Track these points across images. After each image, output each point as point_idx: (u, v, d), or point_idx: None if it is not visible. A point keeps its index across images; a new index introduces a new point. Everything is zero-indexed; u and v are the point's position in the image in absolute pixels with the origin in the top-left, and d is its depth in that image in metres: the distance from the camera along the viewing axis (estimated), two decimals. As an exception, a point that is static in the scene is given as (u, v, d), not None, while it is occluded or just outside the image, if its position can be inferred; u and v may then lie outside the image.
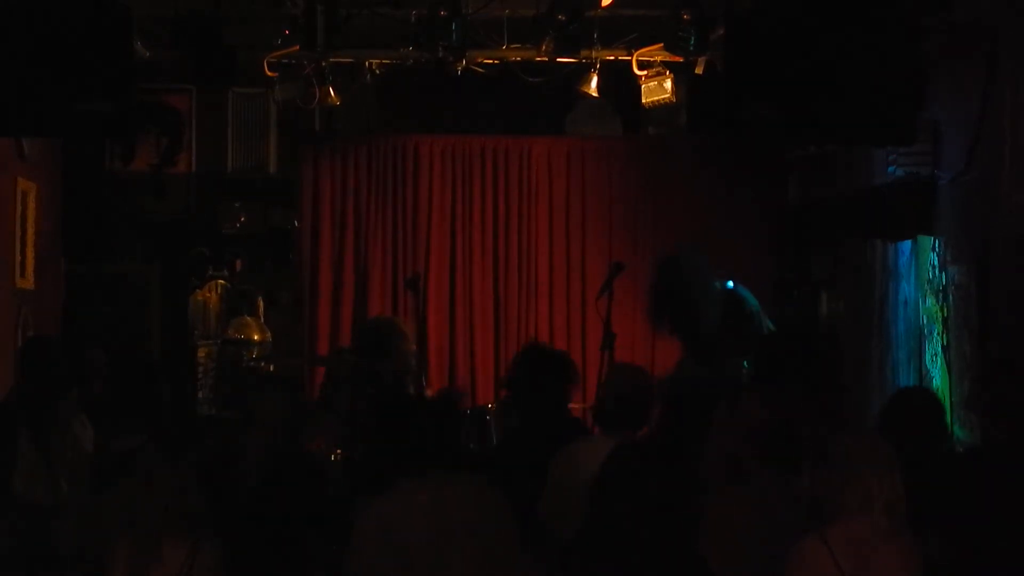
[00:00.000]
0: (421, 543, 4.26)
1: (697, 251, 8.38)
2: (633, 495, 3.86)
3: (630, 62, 9.12)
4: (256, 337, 10.41)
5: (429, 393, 8.45)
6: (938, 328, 7.29)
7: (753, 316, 8.19)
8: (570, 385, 5.97)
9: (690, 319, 7.83)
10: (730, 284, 8.34)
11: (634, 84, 9.21)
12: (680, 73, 8.98)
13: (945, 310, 7.18)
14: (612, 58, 9.11)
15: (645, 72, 9.15)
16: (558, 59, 8.84)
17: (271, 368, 9.93)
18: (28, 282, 8.82)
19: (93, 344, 7.67)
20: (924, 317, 7.55)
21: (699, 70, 8.57)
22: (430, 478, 4.38)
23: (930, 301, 7.44)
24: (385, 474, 4.46)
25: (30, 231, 8.82)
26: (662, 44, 8.77)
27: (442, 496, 4.33)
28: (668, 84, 9.07)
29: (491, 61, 9.14)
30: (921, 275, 7.62)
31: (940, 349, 7.25)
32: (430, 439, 4.48)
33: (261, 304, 10.64)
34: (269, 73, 9.26)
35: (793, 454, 4.54)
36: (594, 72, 9.07)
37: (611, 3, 8.33)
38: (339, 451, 7.26)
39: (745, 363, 7.74)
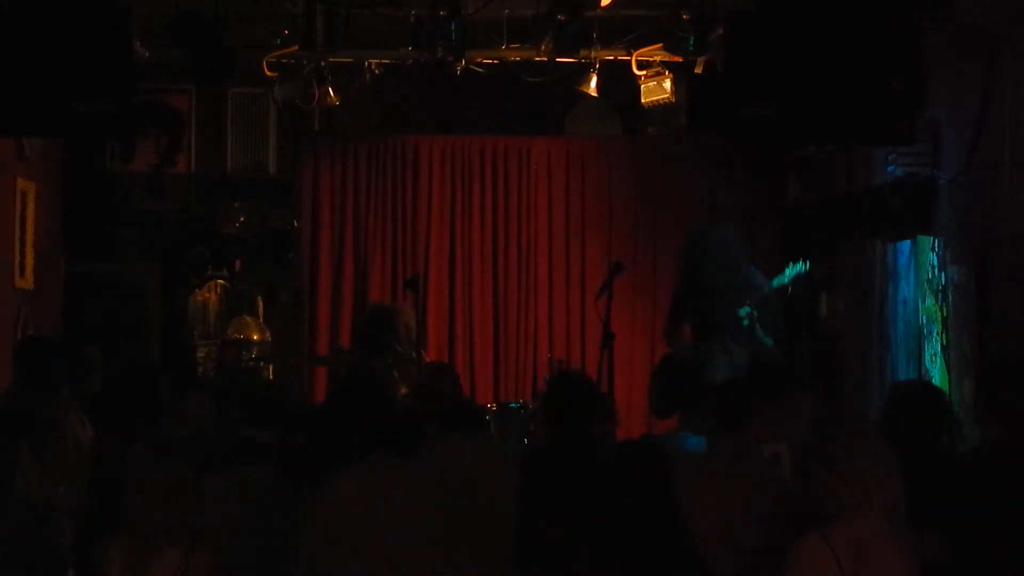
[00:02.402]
0: (373, 528, 4.26)
1: (727, 231, 8.38)
2: (631, 493, 3.86)
3: (629, 62, 9.13)
4: (256, 337, 10.40)
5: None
6: (937, 328, 7.29)
7: (768, 300, 8.21)
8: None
9: (710, 302, 7.90)
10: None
11: (633, 84, 9.22)
12: (679, 73, 8.98)
13: (944, 310, 7.18)
14: (611, 58, 9.12)
15: (644, 72, 9.16)
16: (557, 59, 8.85)
17: (270, 368, 9.94)
18: (28, 282, 8.82)
19: (88, 341, 7.67)
20: (923, 317, 7.56)
21: (698, 70, 8.57)
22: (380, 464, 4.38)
23: (929, 301, 7.44)
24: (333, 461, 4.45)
25: (30, 231, 8.83)
26: (661, 44, 8.78)
27: (393, 483, 4.34)
28: (667, 84, 9.08)
29: (491, 61, 9.15)
30: (920, 275, 7.62)
31: (939, 349, 7.25)
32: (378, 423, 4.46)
33: (261, 304, 10.63)
34: (268, 73, 9.27)
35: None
36: (593, 72, 9.07)
37: (610, 3, 8.33)
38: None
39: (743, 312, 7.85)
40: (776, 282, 8.11)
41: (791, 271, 8.07)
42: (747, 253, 8.33)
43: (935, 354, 7.32)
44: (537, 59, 8.97)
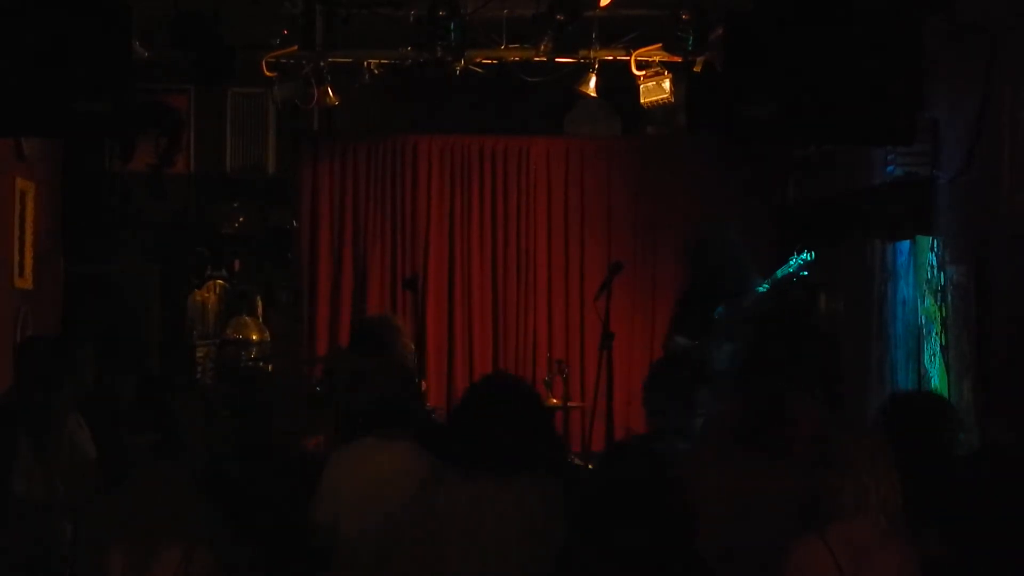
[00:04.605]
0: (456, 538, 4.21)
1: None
2: (633, 496, 3.86)
3: (628, 62, 9.13)
4: (255, 337, 10.41)
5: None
6: (936, 328, 7.29)
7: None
8: None
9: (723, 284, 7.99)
10: None
11: (633, 84, 9.22)
12: (679, 73, 8.98)
13: (943, 310, 7.18)
14: (611, 58, 9.12)
15: (643, 72, 9.16)
16: (557, 59, 8.85)
17: (269, 368, 9.94)
18: (27, 282, 8.82)
19: (81, 341, 7.66)
20: (923, 317, 7.56)
21: (697, 69, 8.57)
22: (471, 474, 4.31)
23: (928, 301, 7.44)
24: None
25: (29, 231, 8.82)
26: (661, 44, 8.78)
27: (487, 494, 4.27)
28: (666, 84, 9.08)
29: (490, 61, 9.15)
30: (920, 275, 7.62)
31: (938, 349, 7.25)
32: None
33: (260, 304, 10.64)
34: (268, 73, 9.27)
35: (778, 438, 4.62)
36: (592, 72, 9.07)
37: (610, 3, 8.33)
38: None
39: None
40: (781, 272, 8.21)
41: (796, 260, 8.17)
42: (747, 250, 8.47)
43: (934, 354, 7.32)
44: (536, 59, 8.97)
